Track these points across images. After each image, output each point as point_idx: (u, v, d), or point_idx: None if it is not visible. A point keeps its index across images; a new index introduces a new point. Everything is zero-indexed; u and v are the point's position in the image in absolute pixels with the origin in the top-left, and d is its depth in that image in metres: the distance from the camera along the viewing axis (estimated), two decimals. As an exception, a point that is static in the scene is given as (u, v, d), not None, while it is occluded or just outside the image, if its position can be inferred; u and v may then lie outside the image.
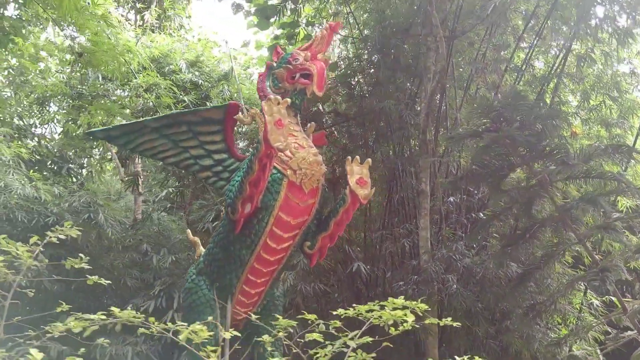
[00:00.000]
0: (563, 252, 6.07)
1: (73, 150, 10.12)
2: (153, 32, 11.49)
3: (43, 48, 10.04)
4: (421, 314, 2.92)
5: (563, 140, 6.19)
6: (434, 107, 7.76)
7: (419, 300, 3.04)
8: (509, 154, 5.87)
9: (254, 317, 3.63)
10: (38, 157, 9.17)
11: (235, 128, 8.36)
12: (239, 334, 3.46)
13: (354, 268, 7.21)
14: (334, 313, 2.93)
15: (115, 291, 7.94)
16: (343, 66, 9.07)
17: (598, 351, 6.46)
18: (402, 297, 3.02)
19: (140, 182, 9.78)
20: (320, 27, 8.99)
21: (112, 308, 2.65)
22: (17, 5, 7.46)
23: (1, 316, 2.79)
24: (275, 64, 4.42)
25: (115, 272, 7.99)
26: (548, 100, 7.69)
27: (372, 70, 8.77)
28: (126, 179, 10.23)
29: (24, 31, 7.65)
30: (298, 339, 3.01)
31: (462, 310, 6.65)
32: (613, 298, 6.79)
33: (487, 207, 7.48)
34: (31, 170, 8.16)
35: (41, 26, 9.12)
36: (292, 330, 3.19)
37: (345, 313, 2.90)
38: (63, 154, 9.75)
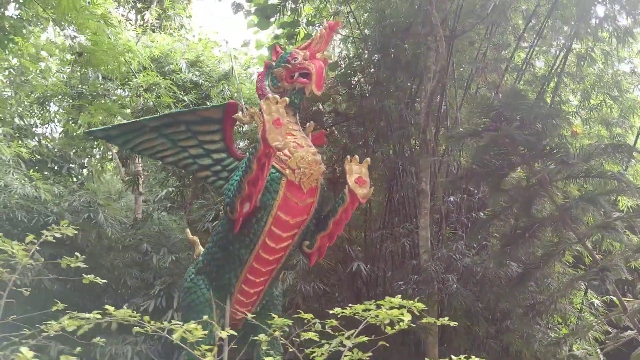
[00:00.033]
0: (563, 251, 6.06)
1: (74, 150, 10.14)
2: (154, 31, 11.49)
3: (43, 48, 10.05)
4: (418, 314, 2.91)
5: (563, 139, 6.18)
6: (434, 107, 7.75)
7: (416, 299, 3.02)
8: (508, 153, 5.86)
9: (249, 316, 3.63)
10: (39, 157, 9.18)
11: (236, 128, 8.43)
12: (238, 333, 3.46)
13: (354, 268, 7.20)
14: (330, 312, 2.93)
15: (116, 290, 7.97)
16: (343, 66, 9.07)
17: (598, 350, 6.45)
18: (402, 296, 3.01)
19: (140, 182, 9.79)
20: (321, 26, 8.98)
21: (107, 306, 2.65)
22: (17, 5, 7.48)
23: (-3, 315, 2.79)
24: (274, 63, 4.42)
25: (116, 272, 8.01)
26: (548, 100, 7.68)
27: (373, 69, 8.76)
28: (127, 178, 10.24)
29: (24, 31, 7.66)
30: (295, 339, 3.00)
31: (462, 310, 6.64)
32: (614, 297, 6.77)
33: (488, 207, 7.47)
34: (31, 170, 8.17)
35: (41, 26, 9.13)
36: (287, 330, 3.18)
37: (342, 312, 2.90)
38: (63, 154, 9.76)
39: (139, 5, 12.07)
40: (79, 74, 9.60)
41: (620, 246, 6.72)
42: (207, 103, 9.05)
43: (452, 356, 2.88)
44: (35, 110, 10.20)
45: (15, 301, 3.04)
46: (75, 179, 9.64)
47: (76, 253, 3.05)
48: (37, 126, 10.52)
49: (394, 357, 6.57)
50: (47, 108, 10.21)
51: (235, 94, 9.33)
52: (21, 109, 9.80)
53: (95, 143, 10.21)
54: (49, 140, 10.43)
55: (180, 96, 8.99)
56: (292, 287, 7.06)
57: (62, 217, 7.31)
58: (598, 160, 5.83)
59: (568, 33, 7.96)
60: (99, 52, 7.08)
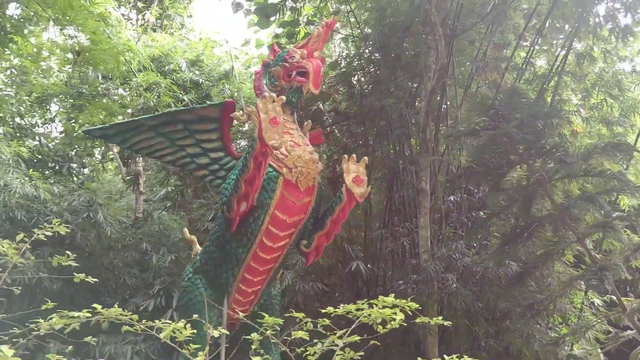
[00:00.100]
0: (562, 250, 6.03)
1: (74, 150, 10.14)
2: (154, 31, 11.48)
3: (45, 47, 10.05)
4: (411, 313, 2.90)
5: (563, 138, 6.16)
6: (435, 106, 7.74)
7: (409, 298, 3.01)
8: (507, 152, 5.84)
9: (241, 315, 3.61)
10: (39, 157, 9.18)
11: (237, 127, 8.44)
12: (238, 333, 3.44)
13: (353, 267, 7.19)
14: (323, 311, 2.92)
15: (115, 290, 7.95)
16: (343, 65, 9.06)
17: (599, 350, 6.43)
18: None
19: (141, 181, 9.78)
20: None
21: (95, 305, 2.64)
22: (18, 5, 7.48)
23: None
24: (271, 62, 4.42)
25: (115, 271, 8.00)
26: (549, 99, 7.66)
27: (373, 68, 8.76)
28: (127, 178, 10.24)
29: (25, 31, 7.66)
30: (286, 337, 3.00)
31: (462, 310, 6.63)
32: (614, 297, 6.75)
33: (488, 206, 7.45)
34: (31, 170, 8.17)
35: (42, 26, 9.13)
36: (278, 329, 3.17)
37: (335, 312, 2.89)
38: (64, 153, 9.76)
39: (139, 4, 12.07)
40: (79, 73, 9.60)
41: (621, 246, 6.70)
42: (207, 102, 9.03)
43: (445, 356, 2.87)
44: (36, 110, 10.20)
45: (15, 301, 3.04)
46: (75, 179, 9.63)
47: (67, 252, 3.05)
48: (37, 126, 10.51)
49: (394, 357, 6.58)
50: (48, 108, 10.21)
51: (236, 94, 9.32)
52: (22, 109, 9.80)
53: (96, 143, 10.21)
54: (49, 140, 10.43)
55: (181, 95, 8.99)
56: (291, 287, 7.06)
57: (62, 217, 7.30)
58: (598, 159, 5.81)
59: (568, 32, 7.94)
60: (97, 51, 7.09)
